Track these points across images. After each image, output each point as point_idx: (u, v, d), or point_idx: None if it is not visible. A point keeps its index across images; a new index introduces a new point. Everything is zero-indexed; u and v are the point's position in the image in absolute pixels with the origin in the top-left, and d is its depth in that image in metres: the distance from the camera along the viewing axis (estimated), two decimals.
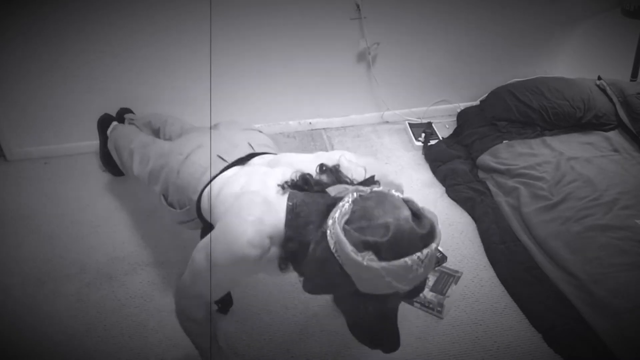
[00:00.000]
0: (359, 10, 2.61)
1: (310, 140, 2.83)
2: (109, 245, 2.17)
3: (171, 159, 1.72)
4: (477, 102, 2.93)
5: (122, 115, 2.51)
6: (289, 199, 1.25)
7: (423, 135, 2.74)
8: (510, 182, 2.31)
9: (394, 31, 2.72)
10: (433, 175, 2.54)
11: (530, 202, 2.18)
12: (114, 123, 2.44)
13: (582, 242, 1.96)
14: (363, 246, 1.05)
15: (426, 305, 1.85)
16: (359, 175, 1.35)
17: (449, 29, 2.77)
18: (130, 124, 2.40)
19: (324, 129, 2.93)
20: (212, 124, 1.98)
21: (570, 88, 2.65)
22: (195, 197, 1.59)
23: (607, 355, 1.64)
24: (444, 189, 2.44)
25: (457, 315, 1.85)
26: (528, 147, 2.49)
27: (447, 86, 2.95)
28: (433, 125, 2.86)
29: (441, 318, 1.83)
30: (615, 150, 2.46)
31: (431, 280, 1.90)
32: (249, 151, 1.65)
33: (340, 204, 1.14)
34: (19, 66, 2.49)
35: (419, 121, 2.94)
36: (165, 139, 2.12)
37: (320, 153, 1.50)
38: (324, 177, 1.31)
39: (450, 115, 3.00)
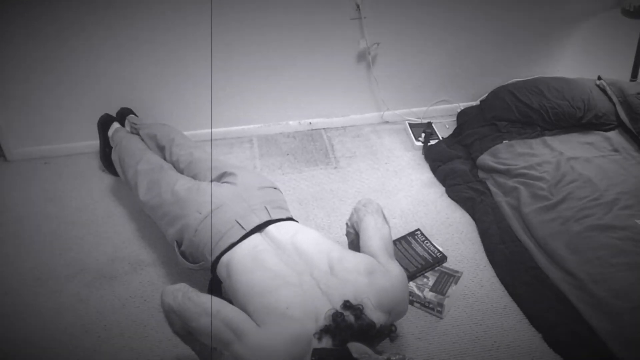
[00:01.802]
0: (359, 10, 2.61)
1: (310, 140, 2.83)
2: (109, 245, 2.17)
3: (189, 214, 1.78)
4: (477, 102, 2.93)
5: (122, 115, 2.51)
6: (314, 353, 1.36)
7: (423, 135, 2.75)
8: (510, 182, 2.31)
9: (394, 31, 2.72)
10: (433, 175, 2.54)
11: (530, 202, 2.18)
12: (116, 125, 2.44)
13: (582, 242, 1.96)
14: None
15: (426, 305, 1.85)
16: (378, 318, 1.45)
17: (449, 29, 2.77)
18: (133, 131, 2.39)
19: (324, 129, 2.93)
20: (229, 168, 1.98)
21: (570, 88, 2.65)
22: (211, 259, 1.67)
23: (607, 355, 1.64)
24: (444, 189, 2.44)
25: (457, 315, 1.85)
26: (528, 147, 2.49)
27: (447, 86, 2.95)
28: (433, 125, 2.86)
29: (441, 318, 1.83)
30: (615, 150, 2.46)
31: (431, 280, 1.90)
32: (266, 218, 1.72)
33: None
34: (19, 66, 2.49)
35: (419, 121, 2.94)
36: (172, 160, 2.14)
37: (335, 261, 1.54)
38: (350, 317, 1.40)
39: (450, 115, 3.00)
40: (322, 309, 1.42)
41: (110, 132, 2.42)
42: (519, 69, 2.95)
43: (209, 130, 2.79)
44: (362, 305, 1.42)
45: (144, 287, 1.98)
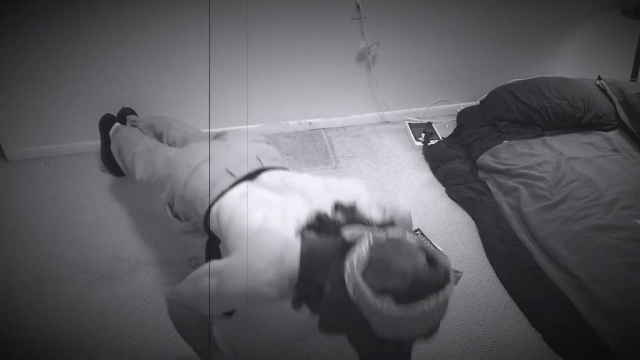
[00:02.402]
0: (359, 10, 2.61)
1: (310, 140, 2.83)
2: (109, 245, 2.17)
3: (178, 169, 1.72)
4: (477, 102, 2.93)
5: (124, 115, 2.51)
6: (302, 242, 1.28)
7: (423, 135, 2.74)
8: (510, 182, 2.31)
9: (394, 31, 2.72)
10: (433, 175, 2.54)
11: (530, 202, 2.18)
12: (117, 124, 2.44)
13: (582, 242, 1.96)
14: (381, 294, 1.08)
15: None
16: (375, 214, 1.36)
17: (449, 29, 2.77)
18: (133, 126, 2.40)
19: (324, 129, 2.93)
20: (218, 132, 1.95)
21: (570, 88, 2.65)
22: (203, 211, 1.60)
23: (607, 355, 1.64)
24: (444, 189, 2.44)
25: (457, 315, 1.85)
26: (528, 147, 2.49)
27: (447, 86, 2.95)
28: (433, 125, 2.86)
29: None
30: (615, 150, 2.46)
31: None
32: (258, 166, 1.65)
33: (357, 248, 1.16)
34: (19, 66, 2.49)
35: (419, 121, 2.94)
36: (168, 144, 2.12)
37: (332, 182, 1.48)
38: (339, 216, 1.32)
39: (450, 115, 3.00)
40: (305, 216, 1.33)
41: (111, 132, 2.42)
42: (519, 69, 2.95)
43: (208, 130, 2.79)
44: (354, 205, 1.33)
45: (144, 287, 1.98)
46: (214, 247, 1.72)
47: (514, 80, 2.84)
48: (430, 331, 1.15)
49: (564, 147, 2.47)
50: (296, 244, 1.28)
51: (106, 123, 2.46)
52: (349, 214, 1.32)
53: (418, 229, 2.10)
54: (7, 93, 2.55)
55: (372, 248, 1.14)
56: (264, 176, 1.61)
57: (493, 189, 2.35)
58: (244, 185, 1.56)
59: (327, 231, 1.28)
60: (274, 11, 2.55)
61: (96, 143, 2.57)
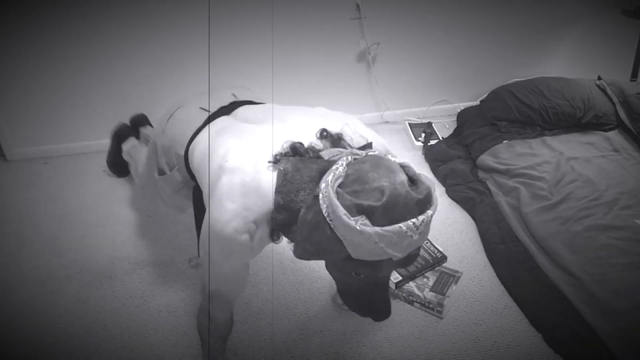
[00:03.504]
0: (359, 10, 2.61)
1: None
2: (109, 245, 2.17)
3: (159, 125, 1.67)
4: (477, 102, 2.93)
5: (136, 125, 2.42)
6: (279, 164, 1.21)
7: (423, 135, 2.74)
8: (510, 182, 2.31)
9: (394, 31, 2.72)
10: (433, 175, 2.54)
11: (530, 202, 2.18)
12: (133, 140, 2.35)
13: (582, 242, 1.96)
14: (356, 210, 1.02)
15: (426, 305, 1.85)
16: (359, 144, 1.30)
17: (449, 29, 2.77)
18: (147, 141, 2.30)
19: None
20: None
21: (570, 88, 2.65)
22: (182, 152, 1.53)
23: (607, 356, 1.64)
24: (444, 189, 2.44)
25: (457, 315, 1.85)
26: (528, 147, 2.49)
27: (447, 86, 2.95)
28: (433, 125, 2.85)
29: (441, 318, 1.83)
30: (615, 150, 2.46)
31: (431, 280, 1.90)
32: (232, 99, 1.58)
33: (334, 167, 1.10)
34: (19, 66, 2.49)
35: (419, 121, 2.94)
36: None
37: (322, 111, 1.40)
38: (322, 143, 1.25)
39: (450, 115, 3.00)
40: (282, 144, 1.25)
41: (125, 147, 2.34)
42: (519, 69, 2.95)
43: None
44: (340, 133, 1.25)
45: (144, 287, 1.98)
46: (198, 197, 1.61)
47: (514, 80, 2.84)
48: (409, 257, 1.11)
49: (564, 147, 2.47)
50: (268, 174, 1.21)
51: (121, 135, 2.36)
52: (335, 141, 1.26)
53: None
54: (7, 93, 2.55)
55: (349, 164, 1.09)
56: (240, 110, 1.54)
57: (493, 189, 2.35)
58: (219, 121, 1.49)
59: (304, 157, 1.22)
60: (274, 11, 2.55)
61: (96, 143, 2.58)
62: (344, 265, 1.13)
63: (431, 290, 1.86)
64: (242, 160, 1.26)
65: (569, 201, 2.15)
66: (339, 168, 1.09)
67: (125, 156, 2.35)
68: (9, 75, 2.50)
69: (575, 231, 2.01)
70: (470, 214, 2.28)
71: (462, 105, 2.98)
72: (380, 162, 1.08)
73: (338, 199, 1.04)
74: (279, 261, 2.08)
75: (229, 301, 1.47)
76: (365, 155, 1.13)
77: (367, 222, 1.01)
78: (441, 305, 1.81)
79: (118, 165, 2.43)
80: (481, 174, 2.47)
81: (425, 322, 1.82)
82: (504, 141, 2.56)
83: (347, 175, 1.07)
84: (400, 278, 1.87)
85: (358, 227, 1.01)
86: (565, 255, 1.93)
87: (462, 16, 2.74)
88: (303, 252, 1.16)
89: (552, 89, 2.65)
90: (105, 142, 2.75)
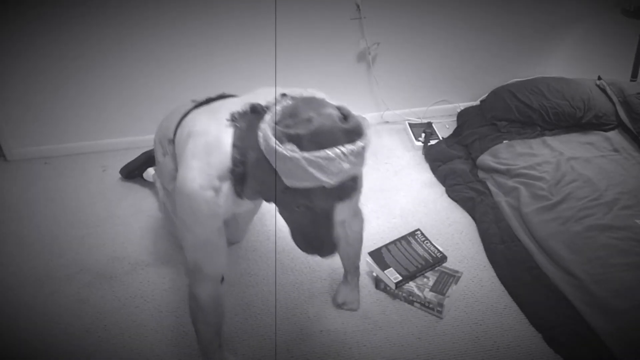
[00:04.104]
0: (359, 10, 2.62)
1: None
2: (109, 245, 2.17)
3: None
4: (477, 102, 2.93)
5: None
6: (233, 123, 1.29)
7: (423, 135, 2.74)
8: (510, 182, 2.31)
9: (394, 31, 2.72)
10: (433, 175, 2.54)
11: (530, 202, 2.18)
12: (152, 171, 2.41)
13: (582, 242, 1.96)
14: (286, 139, 1.10)
15: (426, 305, 1.85)
16: None
17: (449, 29, 2.77)
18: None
19: None
20: None
21: (570, 88, 2.65)
22: (171, 136, 1.62)
23: (606, 356, 1.64)
24: (444, 189, 2.44)
25: (457, 315, 1.85)
26: (528, 147, 2.49)
27: (447, 86, 2.95)
28: (433, 125, 2.85)
29: (441, 318, 1.83)
30: (615, 150, 2.46)
31: (431, 280, 1.90)
32: (220, 92, 1.68)
33: (274, 109, 1.18)
34: (19, 66, 2.49)
35: (419, 121, 2.94)
36: None
37: (294, 89, 1.45)
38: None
39: (450, 115, 3.00)
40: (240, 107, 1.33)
41: (153, 171, 2.39)
42: (519, 69, 2.95)
43: None
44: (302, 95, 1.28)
45: (144, 287, 1.98)
46: None
47: (514, 80, 2.84)
48: (344, 189, 1.16)
49: (564, 147, 2.47)
50: (228, 133, 1.29)
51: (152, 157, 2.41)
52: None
53: (418, 229, 2.11)
54: (7, 93, 2.55)
55: (285, 105, 1.17)
56: (229, 99, 1.61)
57: (493, 189, 2.35)
58: (204, 106, 1.59)
59: (260, 114, 1.27)
60: (274, 11, 2.55)
61: (96, 143, 2.58)
62: (285, 199, 1.19)
63: (431, 290, 1.86)
64: (206, 123, 1.36)
65: (569, 201, 2.15)
66: (277, 108, 1.18)
67: (147, 176, 2.42)
68: (9, 75, 2.50)
69: (575, 231, 2.01)
70: (470, 214, 2.28)
71: (462, 105, 2.98)
72: (312, 100, 1.18)
73: (271, 132, 1.13)
74: (279, 261, 2.08)
75: (210, 277, 1.46)
76: (300, 96, 1.22)
77: (295, 148, 1.09)
78: (441, 305, 1.81)
79: (130, 175, 2.49)
80: (481, 174, 2.47)
81: (425, 322, 1.82)
82: (504, 141, 2.56)
83: (281, 113, 1.15)
84: (400, 278, 1.87)
85: (287, 154, 1.09)
86: (565, 255, 1.93)
87: (462, 16, 2.74)
88: (251, 193, 1.26)
89: (552, 89, 2.64)
90: (106, 142, 2.76)
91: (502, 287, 1.94)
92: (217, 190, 1.29)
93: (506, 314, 1.85)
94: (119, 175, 2.54)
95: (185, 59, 2.59)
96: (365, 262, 1.98)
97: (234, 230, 2.08)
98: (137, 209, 2.35)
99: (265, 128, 1.14)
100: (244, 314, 1.86)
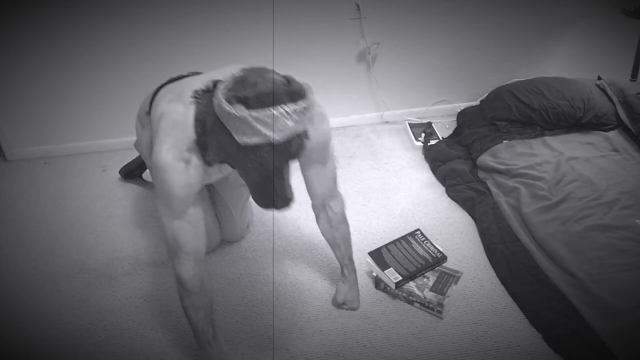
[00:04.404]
0: (359, 10, 2.62)
1: None
2: (109, 245, 2.17)
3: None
4: (477, 102, 2.93)
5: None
6: (195, 100, 1.40)
7: (423, 135, 2.74)
8: (510, 182, 2.31)
9: (394, 31, 2.72)
10: (433, 175, 2.54)
11: (530, 202, 2.18)
12: None
13: (582, 242, 1.96)
14: (236, 101, 1.22)
15: (426, 305, 1.85)
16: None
17: (449, 29, 2.77)
18: None
19: None
20: None
21: (570, 88, 2.65)
22: (147, 109, 1.75)
23: (607, 356, 1.64)
24: (444, 189, 2.44)
25: (457, 315, 1.85)
26: (528, 147, 2.49)
27: (447, 86, 2.95)
28: (433, 125, 2.86)
29: (441, 318, 1.83)
30: (615, 150, 2.46)
31: (431, 280, 1.90)
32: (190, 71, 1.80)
33: (227, 80, 1.30)
34: (19, 66, 2.49)
35: (419, 121, 2.94)
36: None
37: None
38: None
39: (450, 115, 3.00)
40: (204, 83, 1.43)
41: (147, 176, 2.47)
42: (519, 69, 2.95)
43: None
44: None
45: (143, 287, 1.98)
46: None
47: (514, 80, 2.84)
48: (291, 145, 1.27)
49: (564, 147, 2.47)
50: (190, 110, 1.40)
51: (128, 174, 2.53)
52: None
53: (418, 229, 2.11)
54: (7, 93, 2.55)
55: (236, 75, 1.29)
56: (196, 76, 1.69)
57: (493, 189, 2.35)
58: (176, 82, 1.72)
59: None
60: (274, 11, 2.55)
61: (96, 143, 2.58)
62: (240, 157, 1.30)
63: (431, 290, 1.86)
64: (175, 103, 1.46)
65: (569, 201, 2.15)
66: (229, 79, 1.29)
67: (147, 176, 2.45)
68: (9, 75, 2.50)
69: (575, 231, 2.01)
70: (470, 214, 2.28)
71: (462, 105, 2.99)
72: (260, 69, 1.31)
73: (222, 96, 1.25)
74: (279, 261, 2.08)
75: (191, 254, 1.51)
76: (251, 67, 1.33)
77: (243, 108, 1.21)
78: (441, 305, 1.81)
79: (129, 175, 2.50)
80: (481, 174, 2.47)
81: (425, 322, 1.82)
82: (504, 141, 2.56)
83: (233, 81, 1.27)
84: (400, 278, 1.87)
85: (237, 113, 1.21)
86: (565, 255, 1.93)
87: (462, 16, 2.74)
88: (212, 157, 1.38)
89: (552, 89, 2.64)
90: (106, 142, 2.76)
91: (502, 287, 1.94)
92: (187, 162, 1.40)
93: (506, 314, 1.85)
94: (119, 175, 2.55)
95: (185, 60, 2.59)
96: (366, 262, 1.98)
97: (231, 227, 2.09)
98: (137, 209, 2.35)
99: (219, 95, 1.26)
100: (244, 314, 1.86)
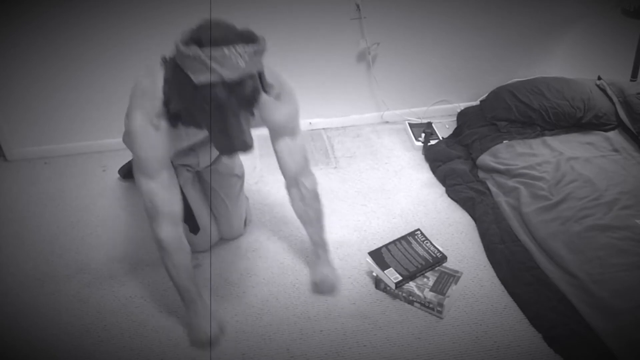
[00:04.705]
0: (359, 10, 2.62)
1: (310, 140, 2.83)
2: (109, 245, 2.17)
3: None
4: (477, 102, 2.93)
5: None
6: (163, 64, 1.48)
7: (423, 135, 2.75)
8: (510, 182, 2.31)
9: (394, 31, 2.72)
10: (433, 175, 2.54)
11: (530, 202, 2.18)
12: None
13: (582, 242, 1.96)
14: (191, 42, 1.32)
15: (426, 305, 1.85)
16: None
17: (449, 29, 2.77)
18: None
19: (323, 129, 2.93)
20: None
21: (570, 88, 2.65)
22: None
23: (606, 356, 1.64)
24: (444, 189, 2.44)
25: (457, 315, 1.85)
26: (528, 147, 2.49)
27: (447, 86, 2.95)
28: (433, 125, 2.86)
29: (441, 318, 1.83)
30: (615, 150, 2.46)
31: (431, 280, 1.90)
32: None
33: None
34: (19, 66, 2.49)
35: (419, 121, 2.94)
36: None
37: None
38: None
39: (450, 115, 3.00)
40: None
41: None
42: (519, 69, 2.95)
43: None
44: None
45: (143, 287, 1.98)
46: None
47: (514, 80, 2.84)
48: (243, 85, 1.33)
49: (564, 147, 2.47)
50: (159, 77, 1.49)
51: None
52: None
53: (418, 229, 2.11)
54: (7, 93, 2.55)
55: (196, 25, 1.38)
56: None
57: (493, 189, 2.35)
58: None
59: None
60: (274, 11, 2.55)
61: (96, 143, 2.58)
62: (198, 99, 1.35)
63: (431, 290, 1.86)
64: (145, 74, 1.55)
65: (569, 201, 2.15)
66: (187, 29, 1.38)
67: None
68: (9, 75, 2.50)
69: (575, 231, 2.01)
70: (470, 214, 2.28)
71: (462, 105, 2.99)
72: (217, 20, 1.39)
73: (180, 42, 1.35)
74: (279, 261, 2.08)
75: (168, 217, 1.60)
76: (210, 20, 1.40)
77: (197, 47, 1.30)
78: (441, 305, 1.81)
79: (129, 175, 2.49)
80: (481, 174, 2.47)
81: (425, 322, 1.82)
82: (504, 141, 2.56)
83: (190, 30, 1.37)
84: (400, 278, 1.87)
85: (190, 53, 1.30)
86: (565, 255, 1.93)
87: (462, 16, 2.74)
88: (176, 110, 1.45)
89: (552, 89, 2.65)
90: (106, 142, 2.76)
91: (502, 287, 1.94)
92: (157, 127, 1.49)
93: (506, 314, 1.85)
94: (119, 175, 2.55)
95: None
96: (366, 262, 1.98)
97: (227, 222, 2.11)
98: (137, 208, 2.35)
99: (177, 41, 1.36)
100: (244, 314, 1.86)
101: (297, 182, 1.83)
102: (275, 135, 1.76)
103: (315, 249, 1.95)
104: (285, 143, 1.76)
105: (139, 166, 1.56)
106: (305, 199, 1.85)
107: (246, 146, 1.39)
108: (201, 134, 1.73)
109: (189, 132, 1.64)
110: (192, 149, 1.90)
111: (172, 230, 1.62)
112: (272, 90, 1.53)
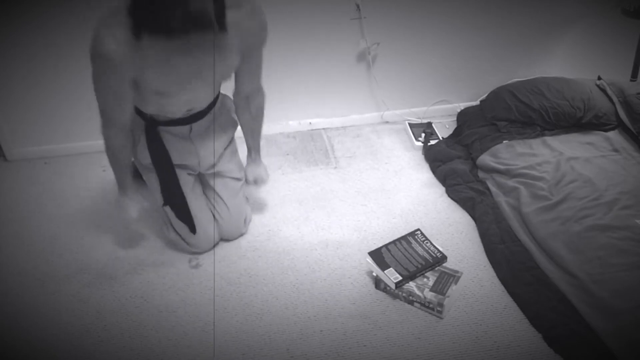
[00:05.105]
0: (359, 10, 2.62)
1: (310, 140, 2.83)
2: (109, 245, 2.17)
3: None
4: (477, 102, 2.93)
5: None
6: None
7: (423, 135, 2.75)
8: (510, 182, 2.32)
9: (394, 31, 2.72)
10: (433, 175, 2.54)
11: (530, 202, 2.18)
12: None
13: (582, 242, 1.96)
14: None
15: (426, 305, 1.85)
16: None
17: (449, 29, 2.77)
18: None
19: (323, 129, 2.93)
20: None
21: (570, 88, 2.65)
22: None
23: (606, 356, 1.64)
24: (444, 189, 2.44)
25: (457, 315, 1.85)
26: (528, 147, 2.49)
27: (447, 86, 2.95)
28: (433, 125, 2.86)
29: (441, 318, 1.83)
30: (615, 150, 2.46)
31: (431, 280, 1.90)
32: None
33: None
34: (19, 66, 2.49)
35: (419, 121, 2.94)
36: None
37: None
38: None
39: (450, 115, 3.00)
40: None
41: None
42: (519, 69, 2.95)
43: None
44: None
45: (144, 287, 1.98)
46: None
47: (514, 80, 2.84)
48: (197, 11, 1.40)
49: (564, 147, 2.48)
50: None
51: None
52: None
53: (418, 229, 2.11)
54: (7, 93, 2.55)
55: None
56: None
57: (493, 189, 2.35)
58: None
59: None
60: (274, 11, 2.55)
61: (96, 143, 2.55)
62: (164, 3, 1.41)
63: (431, 290, 1.86)
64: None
65: (569, 201, 2.15)
66: None
67: None
68: (9, 75, 2.50)
69: (575, 231, 2.01)
70: (470, 214, 2.28)
71: (462, 105, 2.99)
72: None
73: None
74: (279, 261, 2.08)
75: (116, 123, 1.75)
76: None
77: None
78: (441, 305, 1.81)
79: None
80: (481, 174, 2.47)
81: (425, 322, 1.82)
82: (504, 141, 2.56)
83: None
84: (400, 278, 1.88)
85: None
86: (565, 255, 1.93)
87: (462, 16, 2.74)
88: (142, 17, 1.48)
89: (552, 89, 2.65)
90: None
91: (502, 287, 1.95)
92: (119, 43, 1.52)
93: (506, 314, 1.85)
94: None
95: None
96: (366, 262, 1.98)
97: (228, 223, 2.11)
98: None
99: None
100: (244, 314, 1.87)
101: (248, 99, 1.96)
102: (243, 57, 1.78)
103: (250, 152, 2.13)
104: (248, 66, 1.83)
105: (98, 78, 1.63)
106: (253, 114, 2.01)
107: (204, 16, 1.44)
108: (169, 66, 1.67)
109: (156, 45, 1.59)
110: (168, 104, 1.84)
111: (120, 137, 1.80)
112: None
